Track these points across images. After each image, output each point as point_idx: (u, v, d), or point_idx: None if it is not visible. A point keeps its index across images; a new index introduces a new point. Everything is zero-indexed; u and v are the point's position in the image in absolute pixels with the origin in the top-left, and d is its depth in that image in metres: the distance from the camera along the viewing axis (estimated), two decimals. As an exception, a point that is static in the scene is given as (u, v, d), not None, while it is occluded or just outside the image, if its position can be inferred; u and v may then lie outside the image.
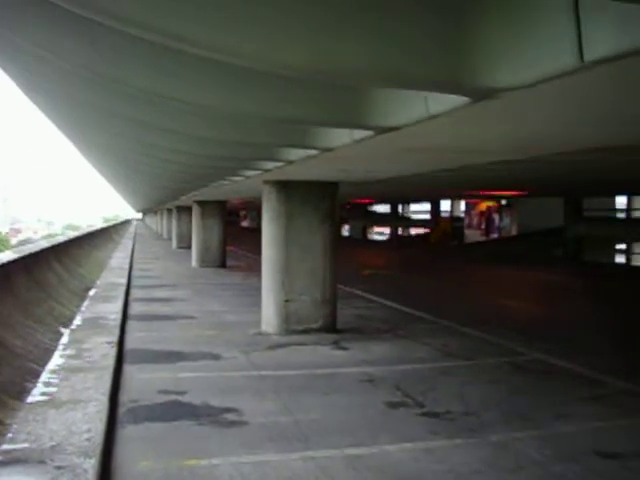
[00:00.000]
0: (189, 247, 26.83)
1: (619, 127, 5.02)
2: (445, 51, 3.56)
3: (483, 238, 35.31)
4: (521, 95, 3.63)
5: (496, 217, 34.99)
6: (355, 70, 3.62)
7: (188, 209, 28.79)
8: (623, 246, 32.86)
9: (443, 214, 43.63)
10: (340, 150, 6.52)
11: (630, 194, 29.70)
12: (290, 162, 8.11)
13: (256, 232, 12.20)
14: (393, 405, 7.31)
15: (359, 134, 5.56)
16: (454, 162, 8.29)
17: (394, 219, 49.60)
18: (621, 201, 32.38)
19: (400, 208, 49.89)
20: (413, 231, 49.07)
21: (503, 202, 33.84)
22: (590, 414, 7.11)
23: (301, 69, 3.73)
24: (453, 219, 41.52)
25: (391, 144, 5.98)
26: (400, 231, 50.99)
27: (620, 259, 32.92)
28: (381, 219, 52.16)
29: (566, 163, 9.76)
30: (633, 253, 32.22)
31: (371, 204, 48.36)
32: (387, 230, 54.06)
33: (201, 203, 24.82)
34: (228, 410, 6.97)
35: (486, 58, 3.53)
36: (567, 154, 7.48)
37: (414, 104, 4.53)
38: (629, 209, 32.06)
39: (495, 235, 34.92)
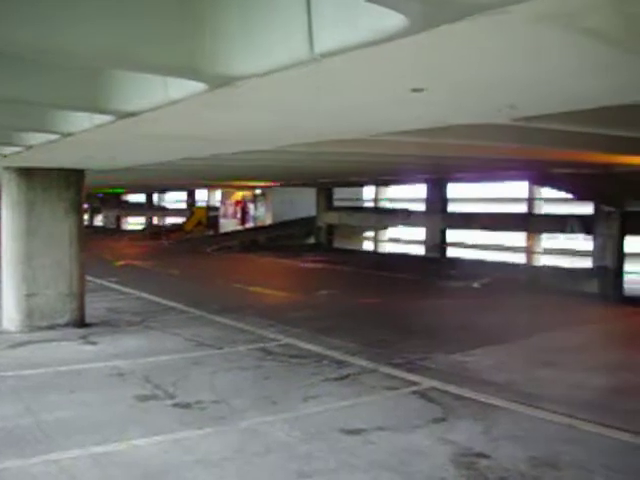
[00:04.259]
0: None
1: (355, 120, 5.24)
2: (182, 35, 3.48)
3: (239, 227, 35.70)
4: (259, 84, 3.64)
5: (251, 206, 35.53)
6: (86, 50, 3.43)
7: None
8: (372, 234, 34.70)
9: (199, 203, 43.56)
10: (81, 135, 6.21)
11: (377, 185, 31.45)
12: (29, 147, 7.63)
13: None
14: (143, 398, 7.15)
15: (99, 119, 5.33)
16: (201, 151, 8.24)
17: (149, 208, 48.73)
18: (369, 191, 34.21)
19: (156, 197, 49.12)
20: (169, 220, 48.48)
21: (258, 192, 34.42)
22: (336, 394, 7.43)
23: (28, 46, 3.47)
24: (209, 208, 41.56)
25: (134, 130, 5.81)
26: (156, 221, 50.16)
27: (369, 246, 34.75)
28: (136, 208, 50.98)
29: (312, 154, 10.08)
30: (380, 240, 34.16)
31: (126, 193, 47.09)
32: (143, 220, 52.94)
33: None
34: (-39, 417, 6.43)
35: (223, 44, 3.50)
36: (313, 145, 7.72)
37: (154, 89, 4.41)
38: (376, 199, 33.94)
39: (250, 224, 35.44)
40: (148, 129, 5.80)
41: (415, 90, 3.65)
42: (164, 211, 49.05)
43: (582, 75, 3.41)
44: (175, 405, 6.94)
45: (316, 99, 4.23)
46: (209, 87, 3.83)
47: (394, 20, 2.53)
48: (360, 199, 34.41)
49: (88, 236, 11.56)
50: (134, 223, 54.02)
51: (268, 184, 27.58)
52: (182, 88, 4.10)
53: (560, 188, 21.74)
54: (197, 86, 3.88)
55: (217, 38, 3.49)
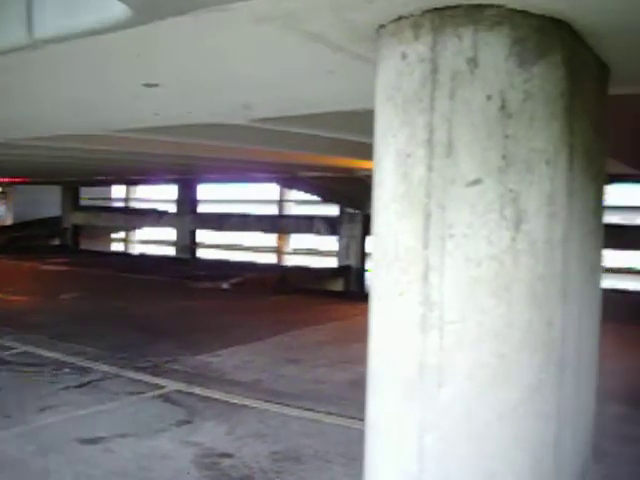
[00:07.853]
0: None
1: (88, 114, 5.02)
2: None
3: (-25, 228, 33.26)
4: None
5: (-10, 205, 33.27)
6: None
7: None
8: (122, 235, 33.82)
9: None
10: None
11: (127, 184, 30.77)
12: None
13: None
14: None
15: None
16: None
17: None
18: (120, 191, 33.36)
19: None
20: None
21: (-1, 190, 32.36)
22: (75, 402, 7.09)
23: None
24: None
25: None
26: None
27: (119, 248, 33.85)
28: None
29: (52, 149, 9.59)
30: (130, 242, 33.40)
31: None
32: None
33: None
34: None
35: None
36: (52, 140, 7.33)
37: None
38: (127, 199, 33.15)
39: (-11, 224, 33.16)
40: None
41: (148, 85, 3.55)
42: None
43: (310, 79, 3.50)
44: None
45: (39, 89, 3.99)
46: None
47: (117, 10, 2.44)
48: (110, 199, 33.46)
49: None
50: None
51: (9, 181, 25.94)
52: None
53: (307, 191, 22.59)
54: None
55: None
